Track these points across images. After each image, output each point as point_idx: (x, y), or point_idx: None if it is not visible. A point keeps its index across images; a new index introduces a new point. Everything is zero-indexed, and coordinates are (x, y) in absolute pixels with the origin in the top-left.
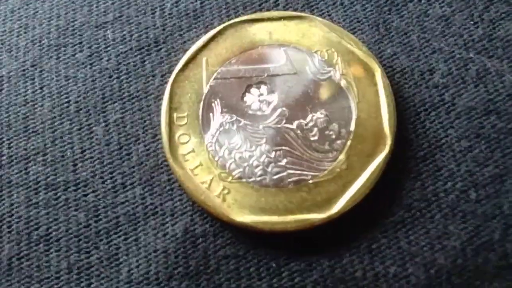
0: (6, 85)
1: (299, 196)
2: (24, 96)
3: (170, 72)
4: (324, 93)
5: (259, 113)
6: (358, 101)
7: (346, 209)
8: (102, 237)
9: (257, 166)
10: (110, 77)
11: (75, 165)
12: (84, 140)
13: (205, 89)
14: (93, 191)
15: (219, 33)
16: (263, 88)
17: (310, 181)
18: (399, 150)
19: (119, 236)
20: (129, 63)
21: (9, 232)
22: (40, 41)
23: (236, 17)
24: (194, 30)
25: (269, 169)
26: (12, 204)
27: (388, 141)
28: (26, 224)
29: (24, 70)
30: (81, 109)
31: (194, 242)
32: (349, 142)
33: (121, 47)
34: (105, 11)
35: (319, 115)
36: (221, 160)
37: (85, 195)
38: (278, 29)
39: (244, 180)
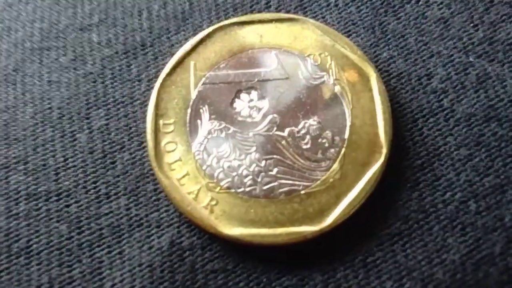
0: None
1: (290, 207)
2: (5, 102)
3: (157, 77)
4: (317, 99)
5: (249, 120)
6: (352, 108)
7: (340, 221)
8: (85, 250)
9: (246, 176)
10: (94, 81)
11: (57, 174)
12: (67, 148)
13: (193, 94)
14: (76, 202)
15: (208, 36)
16: (254, 94)
17: (302, 192)
18: (395, 158)
19: (103, 249)
20: (114, 67)
21: None
22: (23, 45)
23: (226, 19)
24: (183, 33)
25: (259, 179)
26: None
27: (384, 150)
28: (6, 236)
29: (5, 75)
30: (64, 115)
31: (181, 256)
32: (343, 151)
33: (107, 50)
34: (90, 13)
35: (312, 122)
36: (209, 169)
37: (68, 206)
38: (269, 31)
39: (233, 190)
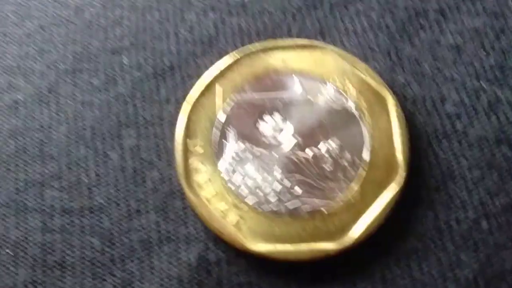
0: (23, 110)
1: (312, 225)
2: (40, 121)
3: (185, 99)
4: (337, 121)
5: (272, 141)
6: (371, 130)
7: (360, 239)
8: (117, 263)
9: (271, 195)
10: (125, 102)
11: (90, 190)
12: (100, 166)
13: (220, 116)
14: (108, 217)
15: (234, 60)
16: (277, 116)
17: (324, 211)
18: (411, 178)
19: (134, 262)
20: (144, 89)
21: (24, 257)
22: (56, 66)
23: (249, 44)
24: (208, 56)
25: (283, 198)
26: (27, 229)
27: (401, 171)
28: (41, 249)
29: (40, 95)
30: (96, 134)
31: (208, 269)
32: (362, 171)
33: (137, 73)
34: (121, 37)
35: (332, 144)
36: (236, 188)
37: (100, 221)
38: (292, 57)
39: (258, 208)
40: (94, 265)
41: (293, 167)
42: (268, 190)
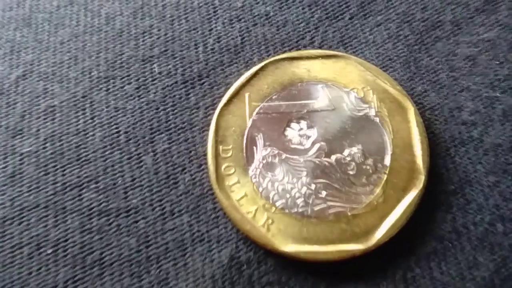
0: (59, 115)
1: (339, 227)
2: (76, 126)
3: (213, 105)
4: (361, 128)
5: (299, 147)
6: (392, 137)
7: (383, 240)
8: (153, 262)
9: (298, 198)
10: (157, 109)
11: (126, 192)
12: (134, 169)
13: (248, 123)
14: (143, 218)
15: (261, 69)
16: (303, 123)
17: (349, 213)
18: (431, 184)
19: (169, 262)
20: (174, 95)
21: (65, 256)
22: (90, 73)
23: (274, 53)
24: (235, 65)
25: (310, 201)
26: (67, 230)
27: (422, 176)
28: (80, 249)
29: (75, 101)
30: (130, 139)
31: (240, 269)
32: (385, 176)
33: (167, 80)
34: (151, 46)
35: (356, 150)
36: (265, 192)
37: (136, 222)
38: (316, 67)
39: (286, 210)
40: (131, 264)
41: (320, 172)
42: (295, 193)
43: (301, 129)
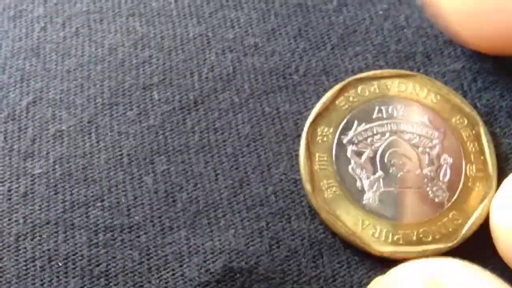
0: (67, 139)
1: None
2: (83, 149)
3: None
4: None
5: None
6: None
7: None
8: (154, 272)
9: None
10: (156, 133)
11: (128, 210)
12: (136, 189)
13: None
14: (145, 233)
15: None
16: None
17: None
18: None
19: (168, 272)
20: (172, 120)
21: (74, 268)
22: (95, 100)
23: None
24: (228, 92)
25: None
26: (75, 244)
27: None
28: (88, 261)
29: (82, 126)
30: (133, 161)
31: (233, 277)
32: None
33: (165, 106)
34: (151, 75)
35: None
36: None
37: (138, 237)
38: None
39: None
40: (134, 275)
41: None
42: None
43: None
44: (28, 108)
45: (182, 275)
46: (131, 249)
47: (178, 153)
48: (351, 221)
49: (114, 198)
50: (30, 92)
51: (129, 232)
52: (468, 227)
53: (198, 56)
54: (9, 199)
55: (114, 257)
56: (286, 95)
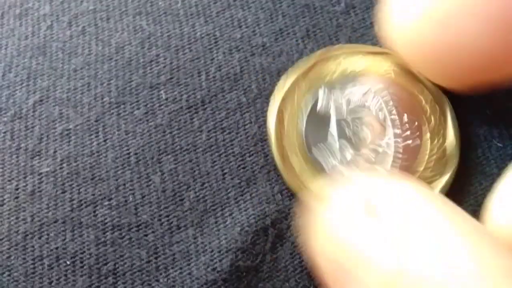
0: (74, 138)
1: None
2: (90, 148)
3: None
4: None
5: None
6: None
7: None
8: (161, 271)
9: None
10: (164, 132)
11: (136, 209)
12: (144, 187)
13: None
14: (153, 232)
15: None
16: None
17: None
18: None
19: (176, 271)
20: (180, 120)
21: (82, 267)
22: (102, 99)
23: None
24: (235, 92)
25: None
26: (83, 243)
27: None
28: (96, 260)
29: (89, 125)
30: (140, 160)
31: (240, 275)
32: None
33: (173, 105)
34: (158, 74)
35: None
36: None
37: (146, 235)
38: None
39: None
40: (142, 273)
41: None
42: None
43: None
44: (35, 106)
45: (189, 273)
46: (138, 248)
47: (185, 152)
48: None
49: (122, 197)
50: (37, 90)
51: (137, 230)
52: None
53: (205, 56)
54: (17, 197)
55: (122, 256)
56: None
